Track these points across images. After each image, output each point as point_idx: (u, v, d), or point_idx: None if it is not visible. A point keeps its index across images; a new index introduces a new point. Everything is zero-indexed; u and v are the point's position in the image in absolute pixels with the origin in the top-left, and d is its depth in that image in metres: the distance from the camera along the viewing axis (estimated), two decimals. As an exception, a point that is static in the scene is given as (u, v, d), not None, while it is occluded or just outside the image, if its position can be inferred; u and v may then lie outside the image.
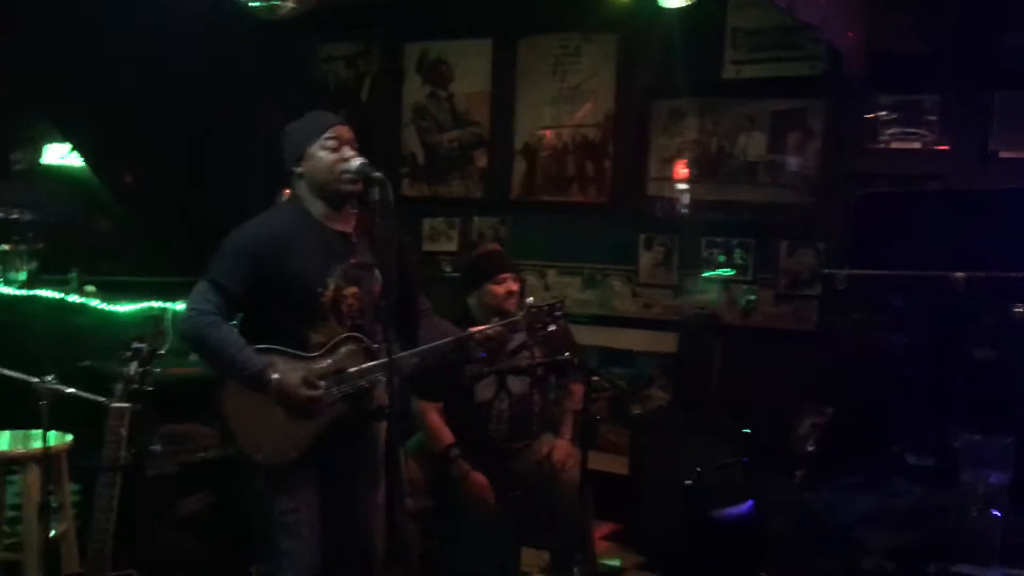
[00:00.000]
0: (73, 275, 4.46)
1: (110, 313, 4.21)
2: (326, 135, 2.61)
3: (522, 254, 5.23)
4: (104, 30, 4.91)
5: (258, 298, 2.59)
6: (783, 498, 2.89)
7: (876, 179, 4.52)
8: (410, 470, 3.14)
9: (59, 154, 5.36)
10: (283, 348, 2.57)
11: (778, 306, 4.83)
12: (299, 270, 2.56)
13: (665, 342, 5.02)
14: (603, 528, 4.57)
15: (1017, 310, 3.50)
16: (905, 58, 4.49)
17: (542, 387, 3.77)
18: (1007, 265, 3.54)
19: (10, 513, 3.30)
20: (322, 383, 2.53)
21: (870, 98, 4.56)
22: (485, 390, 3.63)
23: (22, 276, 4.44)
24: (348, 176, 2.58)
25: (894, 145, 4.53)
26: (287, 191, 2.78)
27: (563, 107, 5.31)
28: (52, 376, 2.75)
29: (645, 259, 5.14)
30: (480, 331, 2.65)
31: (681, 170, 5.05)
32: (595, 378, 3.40)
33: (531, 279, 5.27)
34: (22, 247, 4.50)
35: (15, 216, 4.72)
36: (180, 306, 3.03)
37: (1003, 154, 4.32)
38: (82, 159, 5.09)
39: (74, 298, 4.29)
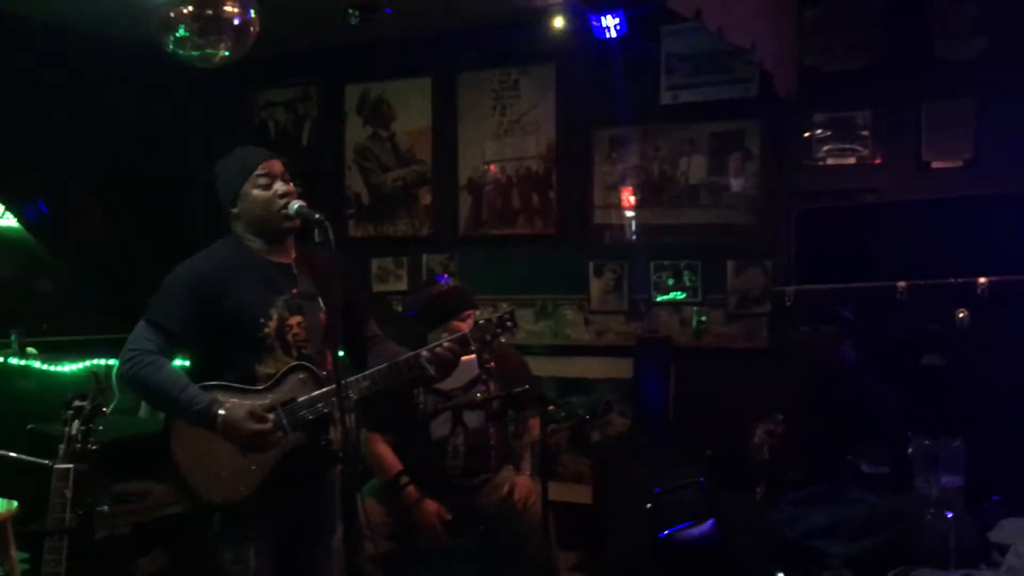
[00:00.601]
0: (13, 337, 4.36)
1: (53, 374, 4.12)
2: (257, 172, 2.60)
3: (473, 288, 5.19)
4: (34, 93, 4.85)
5: (202, 335, 2.56)
6: (744, 515, 2.89)
7: (815, 195, 4.60)
8: (372, 513, 3.08)
9: (-6, 216, 5.26)
10: (229, 383, 2.53)
11: (729, 325, 4.87)
12: (240, 303, 2.53)
13: (620, 368, 5.03)
14: (569, 558, 4.54)
15: (960, 315, 3.56)
16: (836, 75, 4.60)
17: (498, 421, 3.75)
18: (947, 272, 3.60)
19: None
20: (271, 415, 2.49)
21: (804, 116, 4.66)
22: (441, 427, 3.60)
23: (-40, 341, 4.34)
24: (285, 213, 2.57)
25: (830, 161, 4.62)
26: None
27: (505, 140, 5.35)
28: (-7, 441, 2.67)
29: (596, 286, 5.16)
30: (429, 348, 2.61)
31: (626, 196, 5.10)
32: (551, 408, 3.38)
33: (486, 313, 5.25)
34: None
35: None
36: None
37: (935, 164, 4.43)
38: (16, 220, 4.99)
39: (15, 360, 4.19)
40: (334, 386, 2.49)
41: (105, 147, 5.26)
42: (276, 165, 2.64)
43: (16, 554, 3.25)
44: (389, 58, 5.57)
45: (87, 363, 4.08)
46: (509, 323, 2.69)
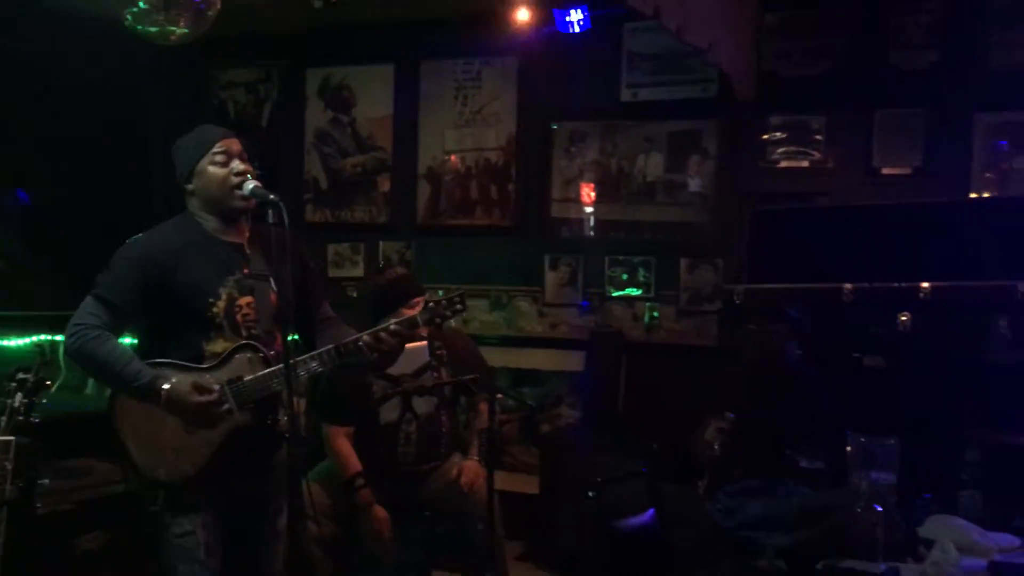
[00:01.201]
0: (-43, 311, 4.30)
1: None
2: (214, 150, 2.59)
3: (428, 278, 5.23)
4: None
5: (149, 312, 2.55)
6: (685, 506, 2.95)
7: (769, 196, 4.69)
8: (316, 496, 3.09)
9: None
10: (175, 361, 2.52)
11: (680, 322, 4.95)
12: (189, 282, 2.52)
13: (572, 361, 5.08)
14: (515, 548, 4.58)
15: (902, 319, 3.64)
16: (793, 80, 4.69)
17: (450, 408, 3.77)
18: (893, 276, 3.68)
19: None
20: (216, 387, 2.49)
21: (761, 119, 4.74)
22: (390, 412, 3.61)
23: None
24: (239, 192, 2.56)
25: (784, 164, 4.71)
26: None
27: (465, 131, 5.36)
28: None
29: (551, 279, 5.21)
30: (378, 329, 2.61)
31: (583, 191, 5.15)
32: (500, 396, 3.41)
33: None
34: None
35: None
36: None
37: (885, 170, 4.54)
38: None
39: (-41, 334, 4.13)
40: (282, 365, 2.49)
41: (61, 120, 5.19)
42: (234, 144, 2.63)
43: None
44: (352, 44, 5.55)
45: (33, 338, 4.03)
46: (459, 306, 2.68)
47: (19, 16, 4.75)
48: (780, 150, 4.72)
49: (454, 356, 3.76)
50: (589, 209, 5.14)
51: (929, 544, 2.48)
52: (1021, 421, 3.68)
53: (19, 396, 2.49)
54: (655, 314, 4.98)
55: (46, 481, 3.46)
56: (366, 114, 5.61)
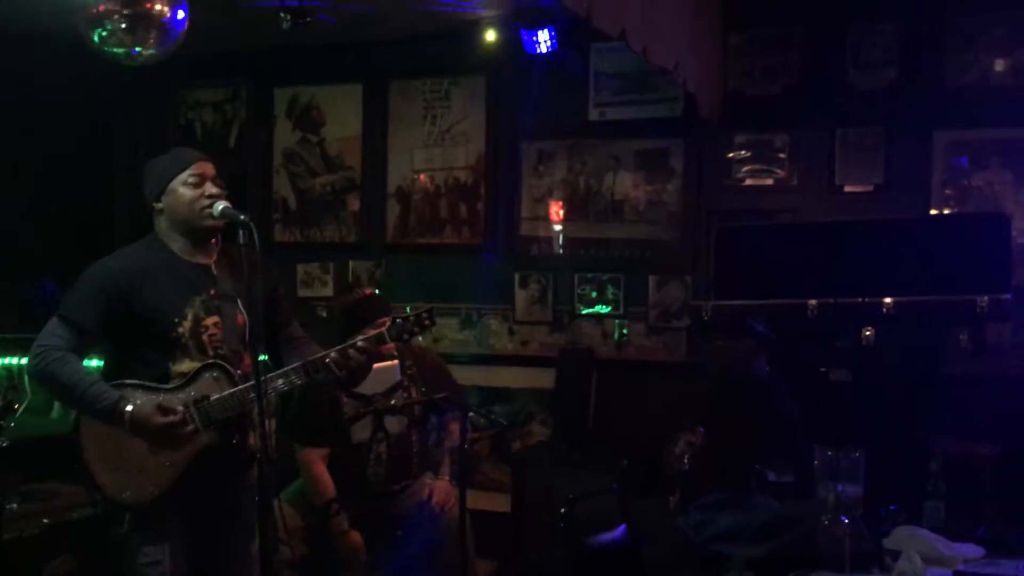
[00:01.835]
0: (-79, 334, 4.23)
1: (-37, 371, 4.00)
2: (189, 171, 2.59)
3: (399, 296, 5.23)
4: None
5: (114, 332, 2.55)
6: (655, 521, 2.98)
7: (735, 214, 4.75)
8: (288, 517, 3.08)
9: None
10: (140, 381, 2.51)
11: (650, 338, 4.98)
12: (154, 303, 2.52)
13: (543, 378, 5.10)
14: (487, 566, 4.57)
15: (866, 333, 3.70)
16: (757, 99, 4.76)
17: (421, 427, 3.78)
18: (857, 291, 3.75)
19: None
20: (180, 408, 2.48)
21: (726, 137, 4.81)
22: (362, 431, 3.62)
23: None
24: (209, 213, 2.56)
25: (749, 182, 4.78)
26: None
27: (434, 150, 5.39)
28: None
29: (520, 297, 5.23)
30: (346, 346, 2.61)
31: (553, 210, 5.19)
32: (471, 414, 3.42)
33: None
34: None
35: None
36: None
37: (848, 188, 4.62)
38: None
39: (-77, 357, 4.06)
40: (248, 384, 2.49)
41: (25, 140, 5.15)
42: (209, 168, 2.64)
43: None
44: (320, 63, 5.57)
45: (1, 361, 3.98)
46: (427, 321, 2.69)
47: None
48: (745, 168, 4.79)
49: (425, 375, 3.78)
50: (558, 227, 5.18)
51: (895, 555, 2.52)
52: (982, 432, 3.75)
53: (-14, 420, 2.47)
54: (624, 331, 5.02)
55: (14, 506, 3.41)
56: (335, 133, 5.62)
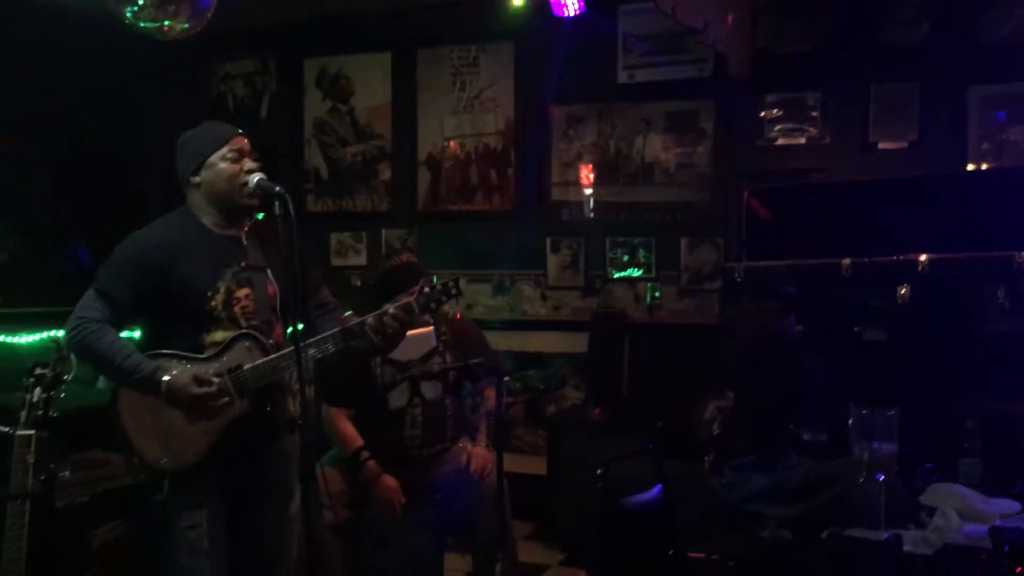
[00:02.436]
0: (-33, 309, 4.34)
1: (8, 345, 4.10)
2: (227, 147, 2.62)
3: (431, 264, 5.25)
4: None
5: (148, 306, 2.60)
6: (691, 483, 3.00)
7: (766, 174, 4.72)
8: (330, 481, 3.14)
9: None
10: (175, 352, 2.57)
11: (682, 301, 4.99)
12: (187, 277, 2.57)
13: (576, 343, 5.13)
14: (524, 528, 4.64)
15: (901, 292, 3.67)
16: (788, 57, 4.71)
17: (456, 392, 3.82)
18: (891, 250, 3.72)
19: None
20: (215, 379, 2.53)
21: (757, 97, 4.77)
22: (399, 397, 3.66)
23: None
24: (248, 190, 2.59)
25: (781, 141, 4.74)
26: None
27: (464, 117, 5.39)
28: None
29: (552, 262, 5.25)
30: (375, 315, 2.64)
31: (583, 174, 5.18)
32: (506, 379, 3.45)
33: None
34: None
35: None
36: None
37: (882, 145, 4.57)
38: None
39: (-31, 331, 4.17)
40: (281, 353, 2.55)
41: (61, 117, 5.21)
42: (246, 143, 2.66)
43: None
44: (348, 33, 5.58)
45: (44, 334, 4.07)
46: (454, 291, 2.70)
47: (14, 11, 4.78)
48: (777, 127, 4.75)
49: (460, 341, 3.81)
50: (589, 191, 5.18)
51: (931, 512, 2.53)
52: (1019, 390, 3.73)
53: (38, 391, 2.54)
54: (656, 294, 5.03)
55: (66, 474, 3.50)
56: (364, 103, 5.64)
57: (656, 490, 2.85)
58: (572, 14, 4.72)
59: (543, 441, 5.13)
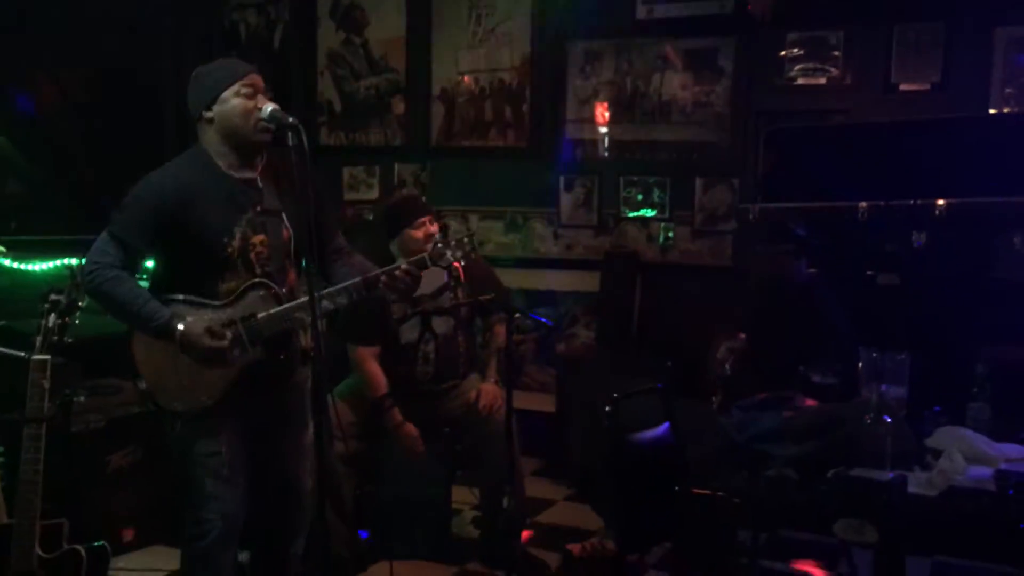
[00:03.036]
0: (-19, 236, 4.36)
1: (24, 272, 4.13)
2: (241, 82, 2.58)
3: (443, 200, 5.27)
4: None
5: (164, 250, 2.60)
6: (699, 421, 3.02)
7: (785, 115, 4.66)
8: (341, 413, 3.18)
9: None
10: (190, 298, 2.58)
11: (695, 242, 4.97)
12: (203, 221, 2.55)
13: (587, 281, 5.13)
14: (532, 464, 4.70)
15: (917, 236, 3.64)
16: (810, -5, 4.61)
17: (467, 328, 3.84)
18: (911, 194, 3.68)
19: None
20: (228, 332, 2.55)
21: (778, 36, 4.68)
22: (410, 332, 3.69)
23: (-70, 238, 4.32)
24: (262, 124, 2.56)
25: (801, 81, 4.66)
26: None
27: (479, 51, 5.32)
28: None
29: (565, 201, 5.22)
30: (389, 271, 2.66)
31: (598, 112, 5.12)
32: (517, 315, 3.46)
33: (453, 224, 5.32)
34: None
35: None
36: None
37: (904, 87, 4.49)
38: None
39: (-16, 258, 4.19)
40: (292, 304, 2.57)
41: (73, 47, 5.17)
42: (260, 80, 2.63)
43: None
44: (363, -38, 5.48)
45: (58, 261, 4.09)
46: (468, 247, 2.72)
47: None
48: (797, 67, 4.67)
49: (471, 277, 3.81)
50: (604, 129, 5.12)
51: (937, 454, 2.54)
52: (1032, 336, 3.71)
53: (53, 317, 2.56)
54: (670, 234, 5.01)
55: (81, 399, 3.55)
56: (378, 35, 5.57)
57: (664, 428, 2.87)
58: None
59: (553, 378, 5.16)
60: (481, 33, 5.31)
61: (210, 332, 2.51)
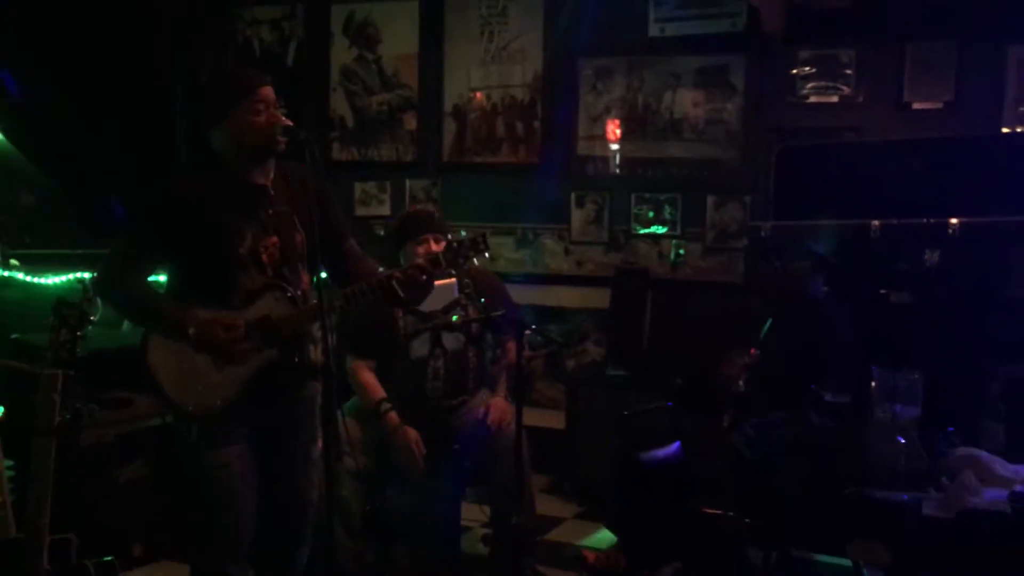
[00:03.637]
0: (-5, 249, 4.38)
1: (36, 285, 4.14)
2: (253, 97, 2.59)
3: (455, 216, 5.25)
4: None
5: (178, 254, 2.61)
6: (710, 438, 3.01)
7: (796, 132, 4.65)
8: (350, 429, 3.17)
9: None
10: (203, 301, 2.58)
11: (706, 259, 4.96)
12: (215, 224, 2.57)
13: (598, 298, 5.12)
14: (541, 481, 4.68)
15: (930, 255, 3.63)
16: (823, 13, 4.61)
17: (477, 344, 3.83)
18: (923, 212, 3.67)
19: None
20: (241, 323, 2.55)
21: (790, 53, 4.68)
22: (420, 347, 3.68)
23: (-57, 252, 4.34)
24: (274, 138, 2.57)
25: (813, 99, 4.66)
26: None
27: (491, 68, 5.34)
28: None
29: (577, 217, 5.22)
30: (401, 271, 2.65)
31: (610, 128, 5.13)
32: (528, 332, 3.45)
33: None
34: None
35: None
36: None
37: (916, 105, 4.48)
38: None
39: (-2, 272, 4.21)
40: (308, 307, 2.56)
41: (88, 59, 5.21)
42: (271, 92, 2.64)
43: (3, 461, 3.32)
44: (377, -21, 5.50)
45: (71, 275, 4.11)
46: (481, 246, 2.71)
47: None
48: (810, 85, 4.67)
49: (482, 293, 3.81)
50: (615, 146, 5.13)
51: (951, 475, 2.52)
52: (1046, 356, 3.69)
53: (64, 331, 2.55)
54: (681, 251, 5.00)
55: (93, 410, 3.55)
56: (391, 51, 5.59)
57: (675, 446, 2.85)
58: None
59: (563, 395, 5.14)
60: (493, 50, 5.32)
61: (224, 327, 2.52)
